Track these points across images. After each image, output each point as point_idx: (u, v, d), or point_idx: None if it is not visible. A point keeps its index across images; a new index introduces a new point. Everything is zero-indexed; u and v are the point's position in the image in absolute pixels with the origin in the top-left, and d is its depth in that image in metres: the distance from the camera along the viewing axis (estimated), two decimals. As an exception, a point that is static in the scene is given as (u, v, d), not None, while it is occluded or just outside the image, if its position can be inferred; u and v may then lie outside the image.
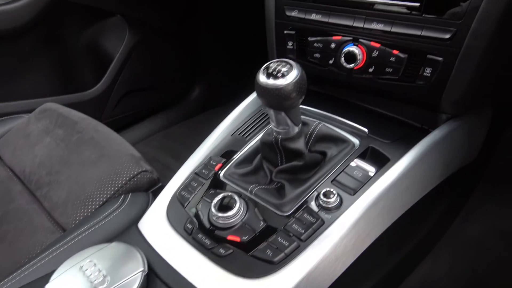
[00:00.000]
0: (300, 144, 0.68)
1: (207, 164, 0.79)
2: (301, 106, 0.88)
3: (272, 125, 0.68)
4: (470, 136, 0.88)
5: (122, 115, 1.79)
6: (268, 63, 0.61)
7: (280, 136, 0.67)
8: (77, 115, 1.14)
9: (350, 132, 0.78)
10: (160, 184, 0.96)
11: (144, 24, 1.71)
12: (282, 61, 0.61)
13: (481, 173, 1.15)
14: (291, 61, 0.61)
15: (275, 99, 0.60)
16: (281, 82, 0.58)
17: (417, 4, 0.69)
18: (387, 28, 0.73)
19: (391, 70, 0.74)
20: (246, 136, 0.84)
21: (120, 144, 1.01)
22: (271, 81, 0.58)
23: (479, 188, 1.13)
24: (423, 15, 0.68)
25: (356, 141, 0.76)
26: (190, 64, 1.95)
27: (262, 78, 0.59)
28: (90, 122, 1.10)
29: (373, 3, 0.73)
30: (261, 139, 0.73)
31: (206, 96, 2.03)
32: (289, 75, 0.59)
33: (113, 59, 1.67)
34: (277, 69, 0.59)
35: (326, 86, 0.92)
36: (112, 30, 1.70)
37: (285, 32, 0.86)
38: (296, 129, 0.67)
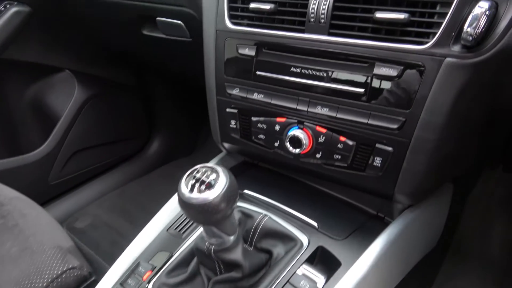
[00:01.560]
0: (237, 255, 0.59)
1: (134, 271, 0.68)
2: (245, 191, 0.81)
3: (203, 235, 0.59)
4: (431, 223, 0.82)
5: (71, 175, 1.66)
6: (191, 170, 0.53)
7: (213, 247, 0.58)
8: (4, 194, 1.01)
9: (299, 226, 0.70)
10: (93, 278, 0.84)
11: (95, 78, 1.62)
12: (207, 168, 0.52)
13: (446, 251, 1.08)
14: (218, 168, 0.52)
15: (201, 215, 0.51)
16: (207, 195, 0.50)
17: (362, 90, 0.63)
18: (332, 114, 0.66)
19: (339, 157, 0.68)
20: (183, 232, 0.74)
21: (47, 232, 0.89)
22: (195, 195, 0.50)
23: (445, 265, 1.06)
24: (370, 102, 0.63)
25: (304, 239, 0.67)
26: (147, 117, 1.86)
27: (184, 190, 0.50)
28: (17, 204, 0.97)
29: (317, 86, 0.67)
30: (194, 245, 0.63)
31: (165, 149, 1.93)
32: (216, 185, 0.50)
33: (61, 117, 1.56)
34: (201, 179, 0.51)
35: (274, 165, 0.85)
36: (59, 86, 1.59)
37: (227, 110, 0.79)
38: (232, 238, 0.58)
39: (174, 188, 0.55)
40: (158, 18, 1.00)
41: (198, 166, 0.53)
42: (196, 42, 0.91)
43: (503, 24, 0.52)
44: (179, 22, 0.95)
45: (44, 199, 1.57)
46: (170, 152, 1.93)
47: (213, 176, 0.51)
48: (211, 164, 0.54)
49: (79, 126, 1.59)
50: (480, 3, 0.51)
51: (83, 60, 1.57)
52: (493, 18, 0.52)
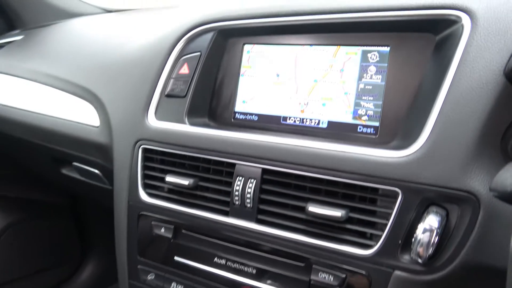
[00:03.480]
0: None
1: None
2: None
3: None
4: None
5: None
6: None
7: None
8: None
9: None
10: None
11: (17, 201, 1.43)
12: None
13: None
14: None
15: None
16: None
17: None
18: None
19: None
20: None
21: None
22: None
23: None
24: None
25: None
26: (79, 238, 1.65)
27: None
28: None
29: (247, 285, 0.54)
30: None
31: (99, 273, 1.70)
32: None
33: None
34: None
35: None
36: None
37: None
38: None
39: None
40: (74, 163, 0.87)
41: None
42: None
43: (457, 236, 0.43)
44: (96, 171, 0.82)
45: None
46: (105, 276, 1.69)
47: None
48: None
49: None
50: (428, 219, 0.42)
51: (6, 184, 1.39)
52: (443, 230, 0.43)
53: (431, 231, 0.42)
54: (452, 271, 0.43)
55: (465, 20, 0.47)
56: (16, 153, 1.16)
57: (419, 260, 0.43)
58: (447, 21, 0.48)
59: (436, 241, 0.42)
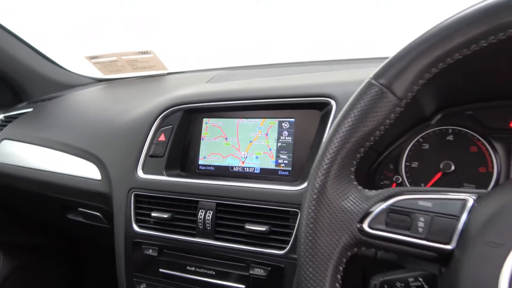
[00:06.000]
0: None
1: None
2: None
3: None
4: None
5: None
6: None
7: None
8: None
9: None
10: None
11: (21, 247, 1.64)
12: None
13: None
14: None
15: None
16: None
17: (244, 286, 0.76)
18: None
19: None
20: None
21: None
22: None
23: None
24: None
25: None
26: (76, 279, 1.84)
27: None
28: None
29: (209, 283, 0.79)
30: None
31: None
32: None
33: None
34: None
35: None
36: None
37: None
38: None
39: None
40: (79, 209, 1.12)
41: None
42: (112, 229, 1.03)
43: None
44: (98, 214, 1.08)
45: None
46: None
47: None
48: None
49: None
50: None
51: (10, 231, 1.60)
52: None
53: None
54: None
55: (332, 102, 0.77)
56: (25, 205, 1.39)
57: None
58: (324, 103, 0.78)
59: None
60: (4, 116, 1.43)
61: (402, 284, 0.53)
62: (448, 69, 0.44)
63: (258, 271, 0.75)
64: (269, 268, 0.74)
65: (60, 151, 1.12)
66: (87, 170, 1.04)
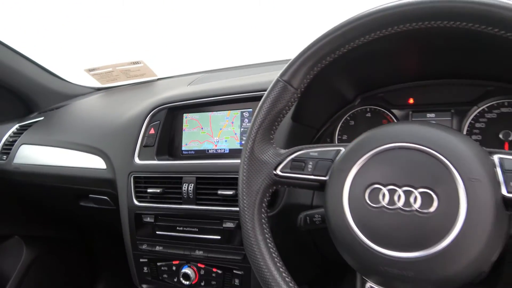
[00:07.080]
0: None
1: None
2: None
3: None
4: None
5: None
6: None
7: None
8: None
9: None
10: None
11: (41, 239, 1.88)
12: None
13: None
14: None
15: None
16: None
17: (219, 237, 1.01)
18: (206, 254, 1.03)
19: (215, 283, 1.02)
20: None
21: None
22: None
23: None
24: (225, 244, 1.00)
25: None
26: (89, 269, 2.07)
27: None
28: None
29: (193, 238, 1.04)
30: None
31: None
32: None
33: (9, 279, 1.75)
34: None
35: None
36: (6, 252, 1.82)
37: (141, 260, 1.13)
38: None
39: None
40: (90, 195, 1.37)
41: None
42: (118, 210, 1.27)
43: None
44: (105, 197, 1.33)
45: None
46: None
47: None
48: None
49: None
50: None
51: (31, 224, 1.84)
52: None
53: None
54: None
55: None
56: (44, 197, 1.63)
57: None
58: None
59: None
60: (20, 126, 1.68)
61: (320, 216, 0.78)
62: (336, 65, 0.69)
63: (229, 224, 1.00)
64: (237, 221, 0.99)
65: (70, 149, 1.37)
66: (94, 162, 1.29)
